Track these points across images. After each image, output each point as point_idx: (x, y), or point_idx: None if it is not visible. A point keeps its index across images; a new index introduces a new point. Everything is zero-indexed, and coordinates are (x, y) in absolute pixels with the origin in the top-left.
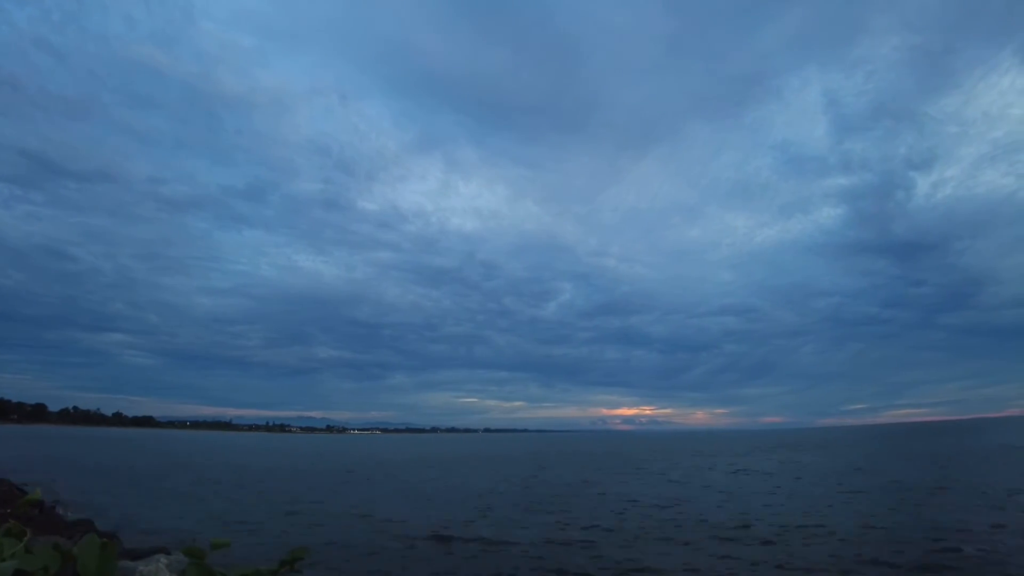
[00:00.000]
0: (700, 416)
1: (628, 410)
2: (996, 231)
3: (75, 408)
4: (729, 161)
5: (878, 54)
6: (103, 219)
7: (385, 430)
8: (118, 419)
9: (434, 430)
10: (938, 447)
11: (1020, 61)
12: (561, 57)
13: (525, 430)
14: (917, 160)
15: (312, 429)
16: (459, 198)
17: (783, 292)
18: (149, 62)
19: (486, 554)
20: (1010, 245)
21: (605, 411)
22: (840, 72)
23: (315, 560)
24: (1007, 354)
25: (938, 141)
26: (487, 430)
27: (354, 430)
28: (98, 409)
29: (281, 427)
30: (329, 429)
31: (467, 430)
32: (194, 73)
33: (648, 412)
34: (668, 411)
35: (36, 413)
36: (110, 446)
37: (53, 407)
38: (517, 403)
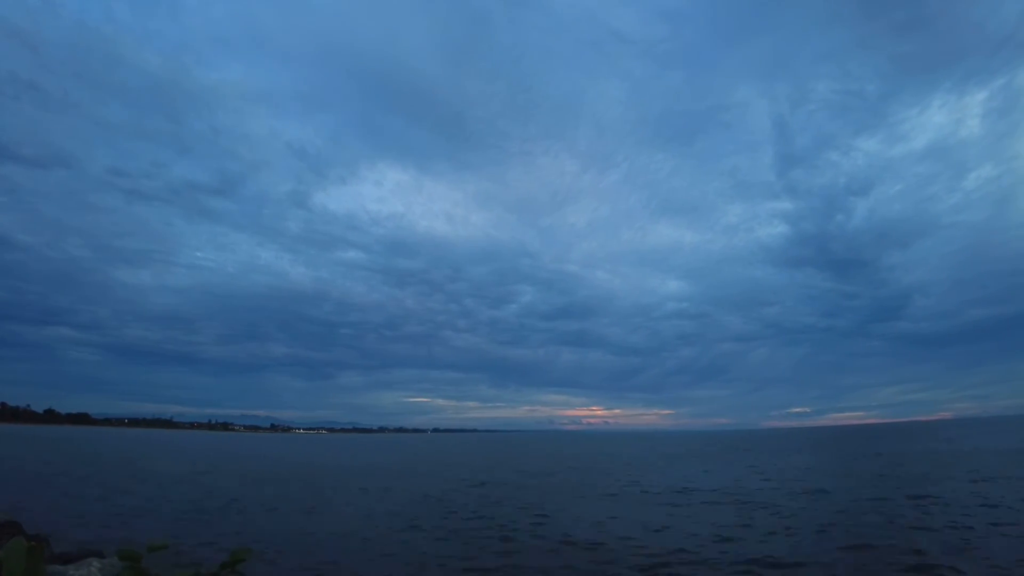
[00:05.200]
0: (649, 417)
1: (579, 411)
2: (922, 250)
3: (3, 404)
4: (680, 184)
5: (820, 97)
6: (56, 207)
7: (332, 430)
8: (50, 416)
9: (382, 430)
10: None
11: (956, 98)
12: (530, 90)
13: (475, 430)
14: (856, 188)
15: (256, 428)
16: (431, 204)
17: (731, 300)
18: (122, 51)
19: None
20: (934, 263)
21: (557, 411)
22: (787, 108)
23: (257, 562)
24: (936, 362)
25: (874, 172)
26: (436, 430)
27: (299, 429)
28: (28, 405)
29: (224, 425)
30: (273, 428)
31: (416, 430)
32: (166, 65)
33: (599, 413)
34: (618, 412)
35: None
36: (40, 444)
37: None
38: (469, 403)
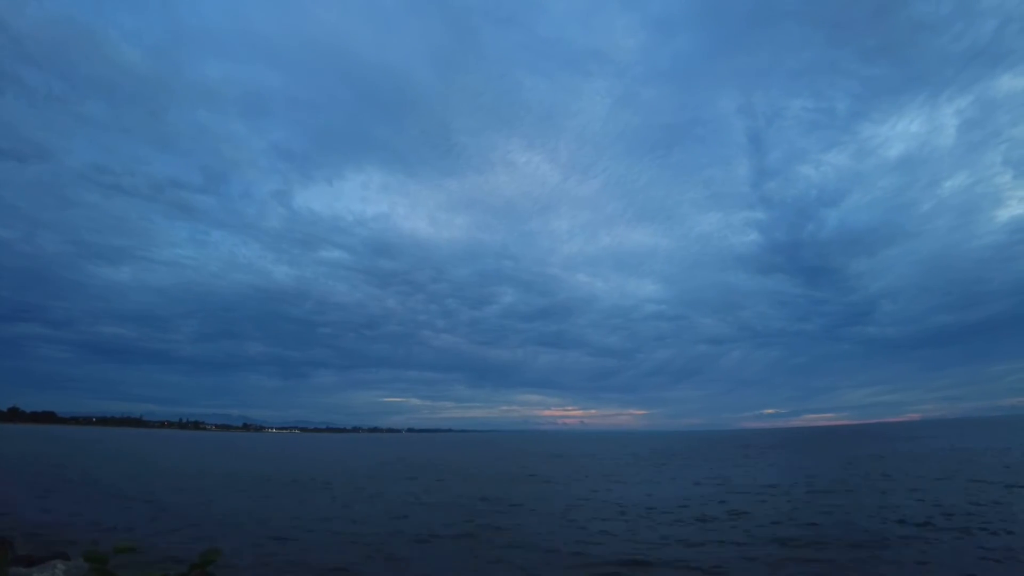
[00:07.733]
0: (624, 418)
1: (555, 411)
2: (888, 258)
3: None
4: (657, 194)
5: (793, 114)
6: (32, 201)
7: (304, 429)
8: (14, 414)
9: (356, 429)
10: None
11: (927, 111)
12: (515, 103)
13: (450, 430)
14: (826, 199)
15: (228, 427)
16: (416, 206)
17: (707, 304)
18: (107, 46)
19: None
20: (900, 270)
21: (533, 412)
22: (762, 124)
23: (227, 563)
24: (904, 364)
25: (844, 185)
26: (411, 430)
27: (272, 428)
28: None
29: (195, 424)
30: (246, 427)
31: (390, 430)
32: (152, 61)
33: (576, 413)
34: (594, 412)
35: None
36: (2, 443)
37: None
38: (445, 403)
